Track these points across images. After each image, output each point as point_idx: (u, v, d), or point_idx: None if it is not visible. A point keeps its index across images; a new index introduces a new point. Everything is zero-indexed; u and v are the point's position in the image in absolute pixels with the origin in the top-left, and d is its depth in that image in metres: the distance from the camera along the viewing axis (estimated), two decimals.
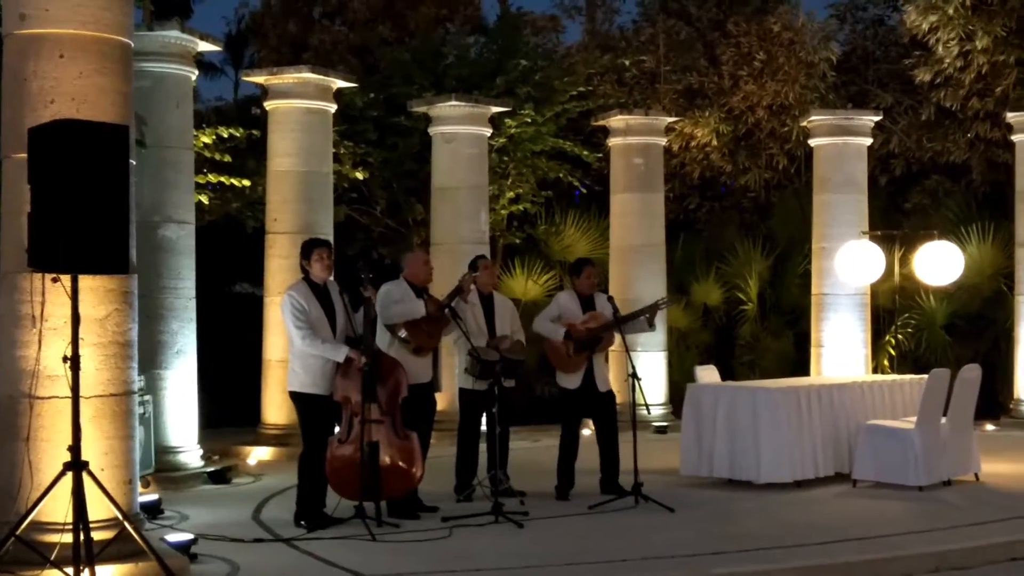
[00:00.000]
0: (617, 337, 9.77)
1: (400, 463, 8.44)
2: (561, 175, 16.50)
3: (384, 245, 16.38)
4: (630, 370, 9.35)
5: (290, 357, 8.54)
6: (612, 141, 15.52)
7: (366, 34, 17.62)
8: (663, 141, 15.64)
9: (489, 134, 14.42)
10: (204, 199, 13.18)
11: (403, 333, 8.84)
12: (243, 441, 12.43)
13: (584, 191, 16.90)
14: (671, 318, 15.99)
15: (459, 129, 14.03)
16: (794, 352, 16.68)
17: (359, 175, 15.16)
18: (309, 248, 8.62)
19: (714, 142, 17.55)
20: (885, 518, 8.85)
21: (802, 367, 15.47)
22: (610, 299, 9.79)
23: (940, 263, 13.41)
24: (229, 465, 11.12)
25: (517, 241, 17.01)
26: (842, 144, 15.24)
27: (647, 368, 14.35)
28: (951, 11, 16.15)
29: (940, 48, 16.43)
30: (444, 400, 12.12)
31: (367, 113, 15.56)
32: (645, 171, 15.32)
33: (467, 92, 14.52)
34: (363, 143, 15.43)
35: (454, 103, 13.93)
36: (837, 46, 18.63)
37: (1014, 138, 15.40)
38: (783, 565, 7.30)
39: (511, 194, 16.23)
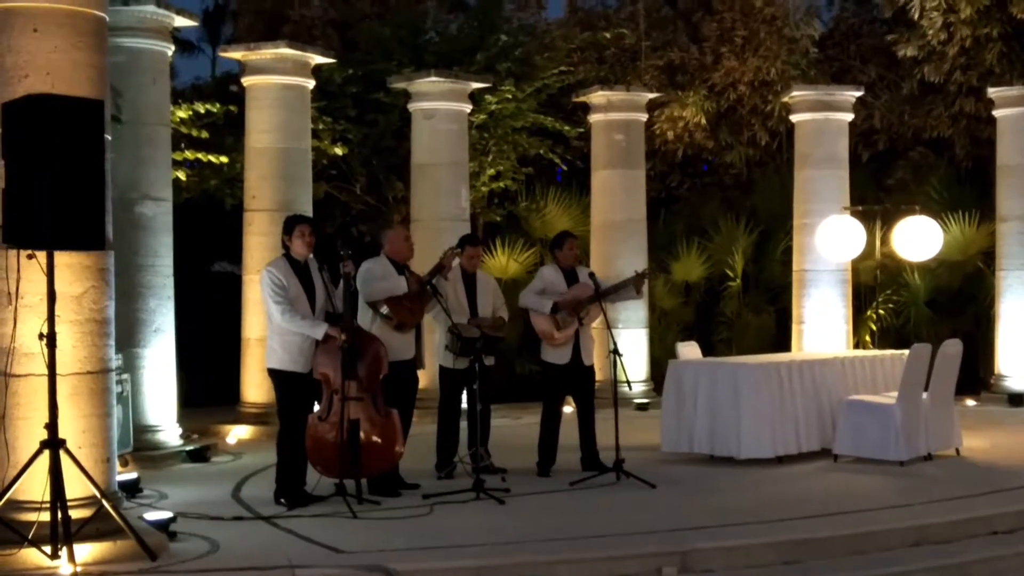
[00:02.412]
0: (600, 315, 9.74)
1: (381, 440, 8.39)
2: (542, 152, 16.43)
3: (364, 222, 16.28)
4: (612, 347, 9.32)
5: (268, 334, 8.48)
6: (593, 117, 15.45)
7: (345, 9, 17.48)
8: (644, 117, 15.59)
9: (469, 110, 14.34)
10: (182, 176, 13.08)
11: (385, 309, 8.79)
12: (222, 420, 12.36)
13: (566, 168, 16.84)
14: (653, 295, 15.97)
15: (439, 105, 13.94)
16: (776, 328, 16.70)
17: (338, 151, 15.07)
18: (291, 224, 8.56)
19: (702, 120, 17.49)
20: (866, 493, 8.86)
21: (784, 343, 15.48)
22: (591, 274, 9.76)
23: (919, 238, 13.41)
24: (208, 444, 11.07)
25: (498, 218, 16.95)
26: (824, 120, 15.22)
27: (628, 345, 14.31)
28: None
29: (923, 20, 16.38)
30: (425, 378, 12.09)
31: (346, 89, 15.44)
32: (626, 147, 15.27)
33: (447, 68, 14.42)
34: (342, 119, 15.32)
35: (434, 79, 13.84)
36: (820, 22, 18.60)
37: (996, 113, 15.39)
38: (764, 540, 7.31)
39: (492, 171, 16.15)
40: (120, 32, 10.31)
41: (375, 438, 8.37)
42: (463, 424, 9.49)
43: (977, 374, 15.30)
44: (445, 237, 11.90)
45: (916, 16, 16.50)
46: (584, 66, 17.52)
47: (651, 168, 16.89)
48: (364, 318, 8.75)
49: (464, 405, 9.58)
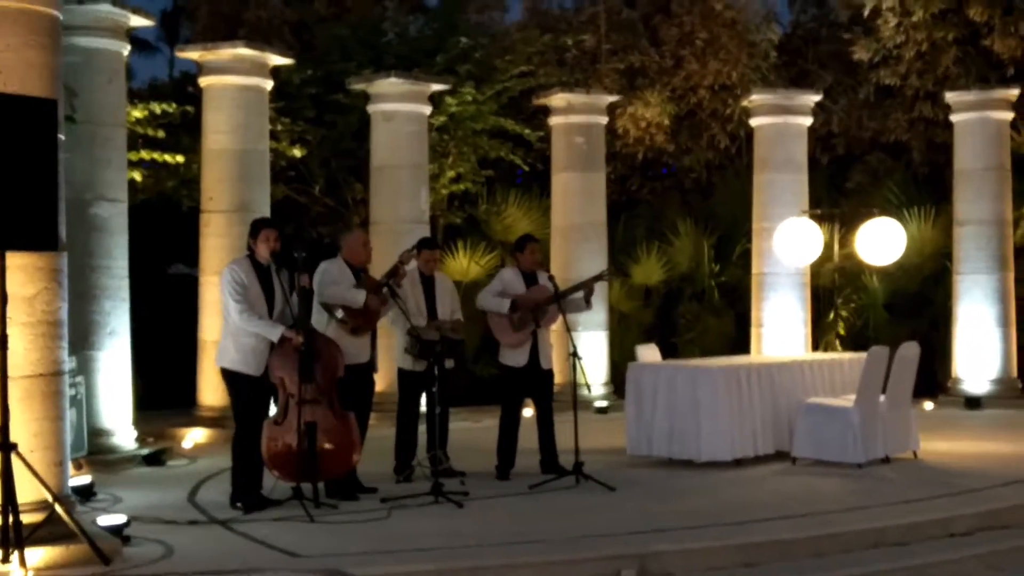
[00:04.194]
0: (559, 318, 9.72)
1: (338, 444, 8.32)
2: (503, 154, 16.40)
3: (323, 224, 16.20)
4: (571, 349, 9.30)
5: (222, 332, 8.39)
6: (553, 120, 15.45)
7: (303, 10, 17.38)
8: (604, 120, 15.60)
9: (429, 112, 14.29)
10: (137, 176, 12.95)
11: (340, 313, 8.72)
12: (179, 423, 12.24)
13: (527, 169, 16.82)
14: (612, 298, 15.99)
15: (398, 107, 13.89)
16: (735, 331, 16.75)
17: (297, 153, 14.98)
18: (257, 228, 8.46)
19: (665, 122, 17.52)
20: (824, 495, 8.89)
21: (743, 346, 15.54)
22: (551, 277, 9.74)
23: (881, 242, 13.47)
24: (164, 447, 10.97)
25: (458, 221, 16.90)
26: (783, 124, 15.30)
27: (588, 348, 14.35)
28: None
29: (878, 20, 16.48)
30: (384, 381, 12.04)
31: (305, 90, 15.36)
32: (587, 150, 15.28)
33: (407, 70, 14.37)
34: (301, 121, 15.24)
35: (393, 81, 13.79)
36: (779, 26, 18.69)
37: (953, 118, 15.51)
38: (723, 542, 7.30)
39: (452, 173, 16.11)
40: (75, 31, 10.19)
41: (332, 442, 8.30)
42: (422, 427, 9.43)
43: (935, 377, 15.41)
44: (405, 240, 11.83)
45: (872, 18, 16.61)
46: (545, 69, 17.52)
47: (611, 171, 16.90)
48: (319, 321, 8.68)
49: (423, 408, 9.51)
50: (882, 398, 10.27)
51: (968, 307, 15.20)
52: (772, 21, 18.37)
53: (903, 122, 17.29)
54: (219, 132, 12.39)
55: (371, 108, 14.03)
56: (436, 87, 14.31)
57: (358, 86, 14.19)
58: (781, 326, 15.02)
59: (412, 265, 9.40)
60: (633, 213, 18.30)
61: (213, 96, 12.47)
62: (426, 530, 7.60)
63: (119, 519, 7.23)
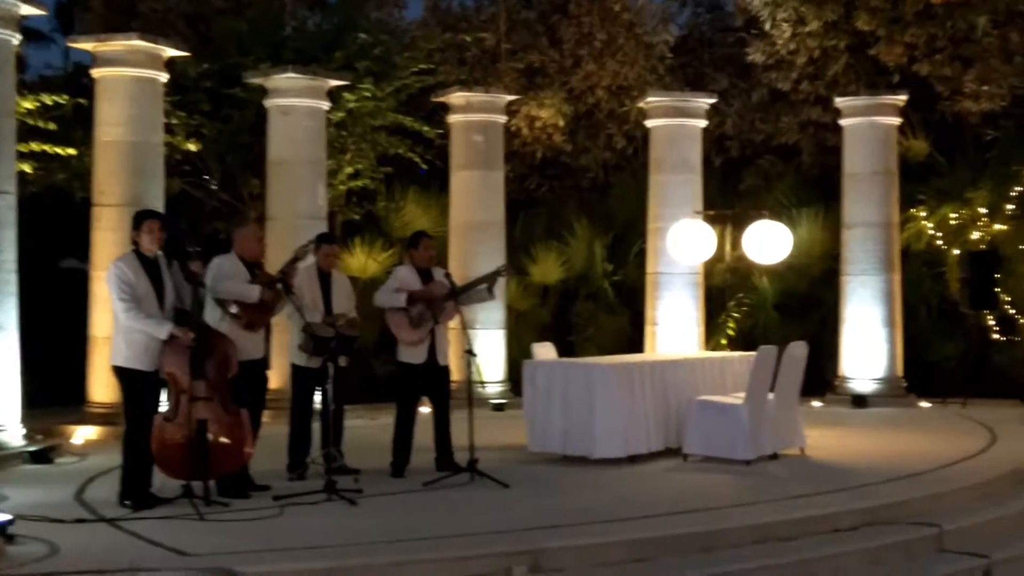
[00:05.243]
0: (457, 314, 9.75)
1: (229, 441, 8.25)
2: (401, 151, 16.37)
3: (218, 219, 16.02)
4: (467, 347, 9.34)
5: (114, 330, 8.28)
6: (452, 118, 15.47)
7: (199, 3, 17.16)
8: (502, 119, 15.66)
9: (327, 108, 14.21)
10: (28, 168, 12.69)
11: (234, 309, 8.64)
12: (68, 420, 12.03)
13: (425, 167, 16.81)
14: (510, 297, 16.05)
15: (296, 102, 13.80)
16: (631, 330, 16.93)
17: (192, 147, 14.79)
18: (139, 219, 8.37)
19: (560, 122, 17.64)
20: (714, 491, 9.03)
21: (639, 345, 15.71)
22: (447, 274, 9.77)
23: (768, 242, 13.71)
24: (52, 445, 10.77)
25: (356, 217, 16.83)
26: (678, 125, 15.51)
27: (486, 345, 14.41)
28: None
29: (773, 29, 16.82)
30: (278, 377, 11.94)
31: (201, 83, 15.17)
32: (485, 149, 15.33)
33: (305, 65, 14.28)
34: (197, 114, 15.05)
35: (291, 75, 13.69)
36: (675, 28, 18.94)
37: (843, 122, 15.85)
38: (614, 538, 7.39)
39: (350, 169, 16.03)
40: None
41: (223, 439, 8.22)
42: (316, 425, 9.39)
43: (823, 376, 15.74)
44: (302, 235, 11.72)
45: (768, 27, 16.94)
46: (445, 67, 17.53)
47: (510, 170, 16.97)
48: (212, 315, 8.59)
49: (317, 405, 9.47)
50: (771, 396, 10.47)
51: (855, 308, 15.55)
52: (668, 23, 18.61)
53: (794, 125, 17.66)
54: (112, 124, 12.19)
55: (268, 103, 13.91)
56: (334, 83, 14.24)
57: (255, 80, 14.06)
58: (675, 325, 15.23)
59: (310, 260, 9.36)
60: (531, 212, 18.40)
61: (106, 88, 12.27)
62: (319, 528, 7.58)
63: (4, 518, 7.08)
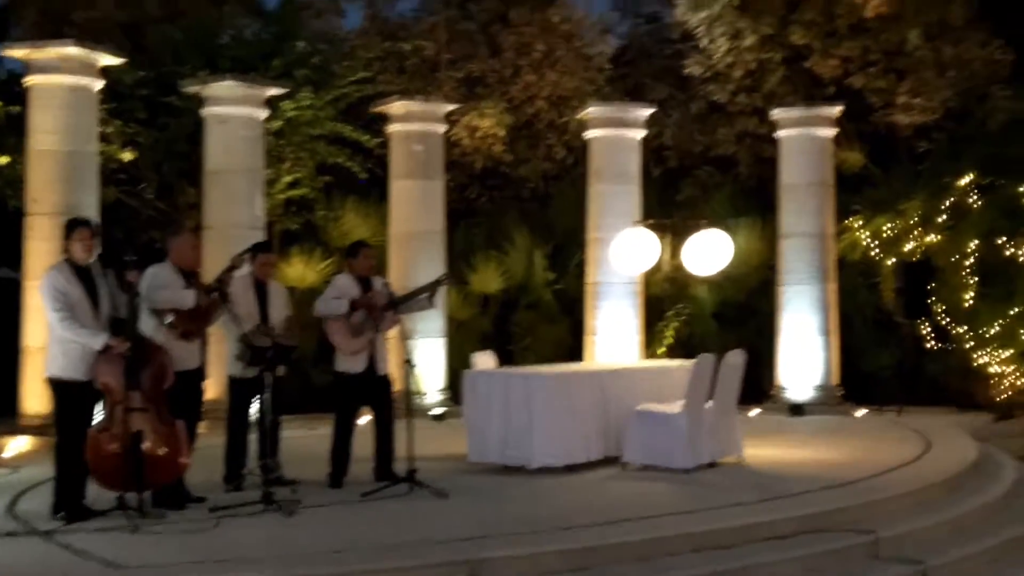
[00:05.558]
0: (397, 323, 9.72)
1: (165, 452, 8.14)
2: (340, 160, 16.31)
3: (154, 228, 15.84)
4: (406, 357, 9.31)
5: (49, 341, 8.15)
6: (392, 127, 15.43)
7: (134, 11, 16.99)
8: (442, 128, 15.64)
9: (265, 116, 14.13)
10: None
11: (169, 318, 8.55)
12: (0, 432, 11.83)
13: (365, 176, 16.74)
14: (450, 306, 16.02)
15: (234, 111, 13.70)
16: (570, 339, 16.96)
17: (128, 156, 14.63)
18: (71, 228, 8.26)
19: (500, 132, 17.66)
20: (652, 500, 9.06)
21: (578, 354, 15.74)
22: (386, 283, 9.74)
23: (707, 252, 13.81)
24: None
25: (294, 227, 16.72)
26: (617, 136, 15.59)
27: (426, 355, 14.37)
28: (719, 8, 16.75)
29: (710, 44, 17.01)
30: (214, 388, 11.82)
31: (137, 92, 15.02)
32: (425, 158, 15.30)
33: (243, 73, 14.18)
34: (133, 122, 14.89)
35: (228, 84, 13.60)
36: (614, 40, 19.05)
37: (779, 134, 16.01)
38: (554, 547, 7.38)
39: (289, 178, 15.95)
40: None
41: (159, 450, 8.12)
42: (253, 435, 9.31)
43: (760, 384, 15.86)
44: (239, 245, 11.60)
45: (706, 43, 17.12)
46: (385, 76, 17.50)
47: (450, 180, 16.96)
48: (148, 325, 8.49)
49: (254, 416, 9.39)
50: (709, 405, 10.53)
51: (792, 317, 15.70)
52: (607, 34, 18.73)
53: (731, 137, 17.83)
54: (45, 132, 12.05)
55: (205, 111, 13.80)
56: (273, 91, 14.17)
57: (192, 89, 13.95)
58: (614, 334, 15.29)
59: (246, 270, 9.28)
60: (472, 222, 18.39)
61: (39, 96, 12.13)
62: (256, 540, 7.51)
63: None
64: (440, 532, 7.71)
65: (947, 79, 17.16)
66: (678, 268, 15.11)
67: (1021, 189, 16.66)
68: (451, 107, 15.84)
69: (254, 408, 9.39)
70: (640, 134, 15.77)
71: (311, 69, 15.89)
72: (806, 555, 7.85)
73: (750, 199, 17.80)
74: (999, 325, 16.12)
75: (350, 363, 9.56)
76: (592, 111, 15.69)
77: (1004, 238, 16.46)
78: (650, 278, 15.60)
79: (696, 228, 14.07)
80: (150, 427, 8.07)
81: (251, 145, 13.85)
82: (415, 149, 15.25)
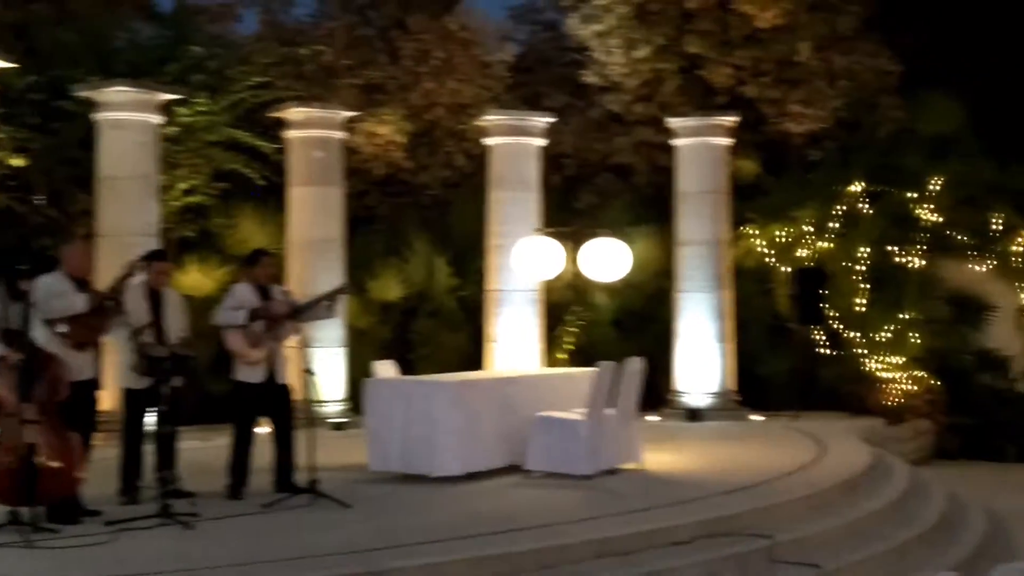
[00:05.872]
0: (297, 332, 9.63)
1: (59, 465, 7.96)
2: (238, 166, 16.10)
3: (45, 236, 15.47)
4: (305, 366, 9.23)
5: None
6: (290, 134, 15.29)
7: (24, 12, 16.59)
8: (341, 135, 15.54)
9: (160, 122, 13.90)
10: None
11: (63, 328, 8.36)
12: None
13: (262, 183, 16.54)
14: (350, 315, 15.91)
15: (128, 116, 13.47)
16: (471, 347, 16.95)
17: (17, 162, 14.27)
18: None
19: (397, 139, 17.60)
20: (554, 507, 9.11)
21: (479, 361, 15.74)
22: (286, 292, 9.65)
23: (605, 260, 13.93)
24: None
25: (190, 234, 16.45)
26: (516, 144, 15.65)
27: (326, 364, 14.24)
28: (613, 21, 16.93)
29: (605, 56, 17.19)
30: (110, 398, 11.59)
31: (28, 96, 14.66)
32: (324, 165, 15.18)
33: (137, 78, 13.93)
34: (23, 128, 14.53)
35: (121, 88, 13.36)
36: (513, 47, 19.11)
37: (675, 142, 16.20)
38: (455, 556, 7.37)
39: (184, 185, 15.69)
40: None
41: (53, 463, 7.93)
42: (149, 447, 9.15)
43: (658, 391, 16.03)
44: (133, 253, 11.40)
45: (602, 56, 17.30)
46: (283, 81, 17.32)
47: (350, 187, 16.84)
48: (41, 335, 8.29)
49: (151, 427, 9.22)
50: (610, 412, 10.61)
51: (689, 323, 15.89)
52: (507, 42, 18.78)
53: (629, 145, 18.00)
54: None
55: (98, 116, 13.54)
56: (167, 96, 13.95)
57: (85, 93, 13.66)
58: (515, 341, 15.32)
59: (141, 278, 9.12)
60: (371, 229, 18.28)
61: None
62: (153, 554, 7.38)
63: None
64: (342, 543, 7.65)
65: (838, 89, 17.55)
66: (578, 275, 15.22)
67: (909, 196, 17.12)
68: (350, 113, 15.74)
69: (150, 419, 9.22)
70: (539, 142, 15.85)
71: (207, 74, 15.66)
72: (706, 560, 7.95)
73: (648, 207, 17.97)
74: (889, 331, 16.51)
75: (249, 373, 9.46)
76: (491, 118, 15.73)
77: (893, 245, 16.88)
78: (551, 285, 15.68)
79: (595, 235, 14.18)
80: (44, 440, 7.89)
81: (145, 151, 13.62)
82: (314, 156, 15.13)
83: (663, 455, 11.74)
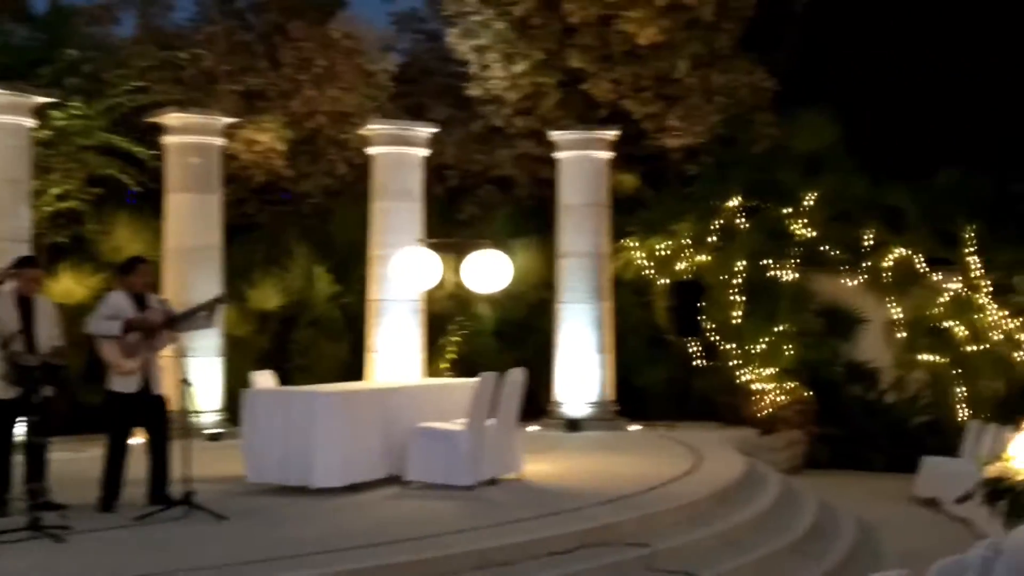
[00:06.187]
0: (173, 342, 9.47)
1: None
2: (113, 172, 15.77)
3: None
4: (182, 376, 9.08)
5: None
6: (168, 139, 15.04)
7: None
8: (220, 141, 15.33)
9: (33, 126, 13.56)
10: None
11: None
12: None
13: (138, 189, 16.23)
14: (227, 324, 15.69)
15: None
16: (351, 357, 16.84)
17: None
18: None
19: (278, 147, 17.43)
20: (434, 518, 9.09)
21: (360, 372, 15.65)
22: (162, 300, 9.48)
23: (487, 271, 13.96)
24: None
25: (63, 240, 16.06)
26: (399, 154, 15.62)
27: (202, 374, 14.02)
28: (491, 36, 17.05)
29: (483, 70, 17.28)
30: None
31: None
32: (202, 171, 14.97)
33: (8, 80, 13.57)
34: None
35: None
36: (396, 57, 19.07)
37: (557, 155, 16.34)
38: (333, 568, 7.30)
39: (57, 190, 15.32)
40: None
41: None
42: (18, 458, 8.90)
43: (538, 401, 16.12)
44: (2, 259, 11.14)
45: (480, 69, 17.39)
46: (162, 86, 17.01)
47: (229, 194, 16.62)
48: None
49: (20, 438, 8.97)
50: (491, 422, 10.63)
51: (569, 334, 16.02)
52: (390, 51, 18.74)
53: (510, 158, 18.10)
54: None
55: None
56: (41, 100, 13.63)
57: None
58: (396, 352, 15.28)
59: (10, 285, 8.88)
60: (250, 237, 18.05)
61: None
62: (21, 568, 7.19)
63: None
64: (218, 556, 7.53)
65: (715, 105, 17.87)
66: (460, 285, 15.24)
67: (784, 212, 17.51)
68: (229, 120, 15.55)
69: (20, 430, 8.97)
70: (422, 152, 15.84)
71: (82, 77, 15.34)
72: (585, 569, 8.01)
73: (530, 219, 18.08)
74: (763, 343, 16.85)
75: (123, 382, 9.26)
76: (374, 128, 15.69)
77: (769, 259, 17.24)
78: (433, 295, 15.67)
79: (478, 247, 14.21)
80: None
81: (17, 155, 13.29)
82: (192, 162, 14.90)
83: (543, 465, 11.80)
